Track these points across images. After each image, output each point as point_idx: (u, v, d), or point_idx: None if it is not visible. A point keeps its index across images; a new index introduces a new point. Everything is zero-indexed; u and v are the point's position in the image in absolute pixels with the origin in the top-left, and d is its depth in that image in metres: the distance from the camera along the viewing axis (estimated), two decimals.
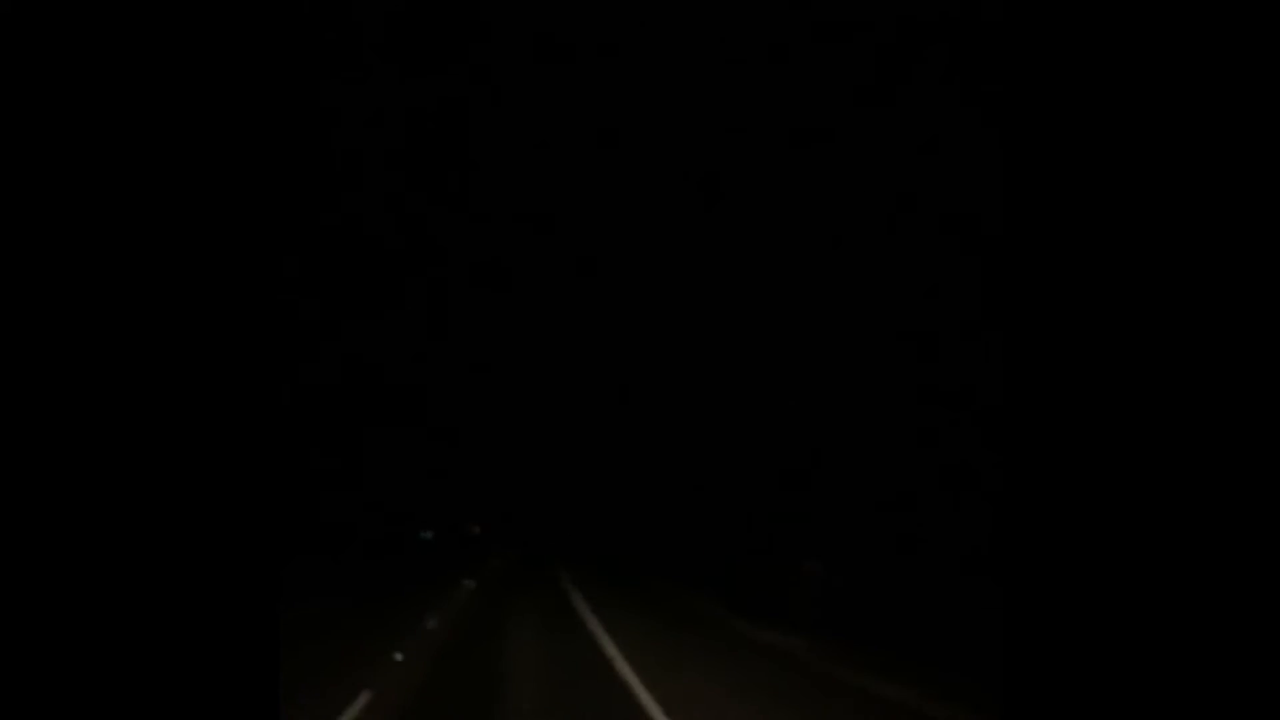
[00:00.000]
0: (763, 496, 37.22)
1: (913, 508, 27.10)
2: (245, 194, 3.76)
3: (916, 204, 27.65)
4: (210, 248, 3.69)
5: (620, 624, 17.36)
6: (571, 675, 11.81)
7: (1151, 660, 3.54)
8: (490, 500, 77.16)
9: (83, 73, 3.61)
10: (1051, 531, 3.76)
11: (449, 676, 11.64)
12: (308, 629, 15.29)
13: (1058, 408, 3.81)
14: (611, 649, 13.75)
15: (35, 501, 3.44)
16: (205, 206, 3.70)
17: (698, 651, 14.21)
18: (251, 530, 3.66)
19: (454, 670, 12.08)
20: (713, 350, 44.60)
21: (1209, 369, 3.61)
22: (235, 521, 3.63)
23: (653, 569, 39.55)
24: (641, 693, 10.56)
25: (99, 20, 3.63)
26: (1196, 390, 3.61)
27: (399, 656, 12.58)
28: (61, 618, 3.43)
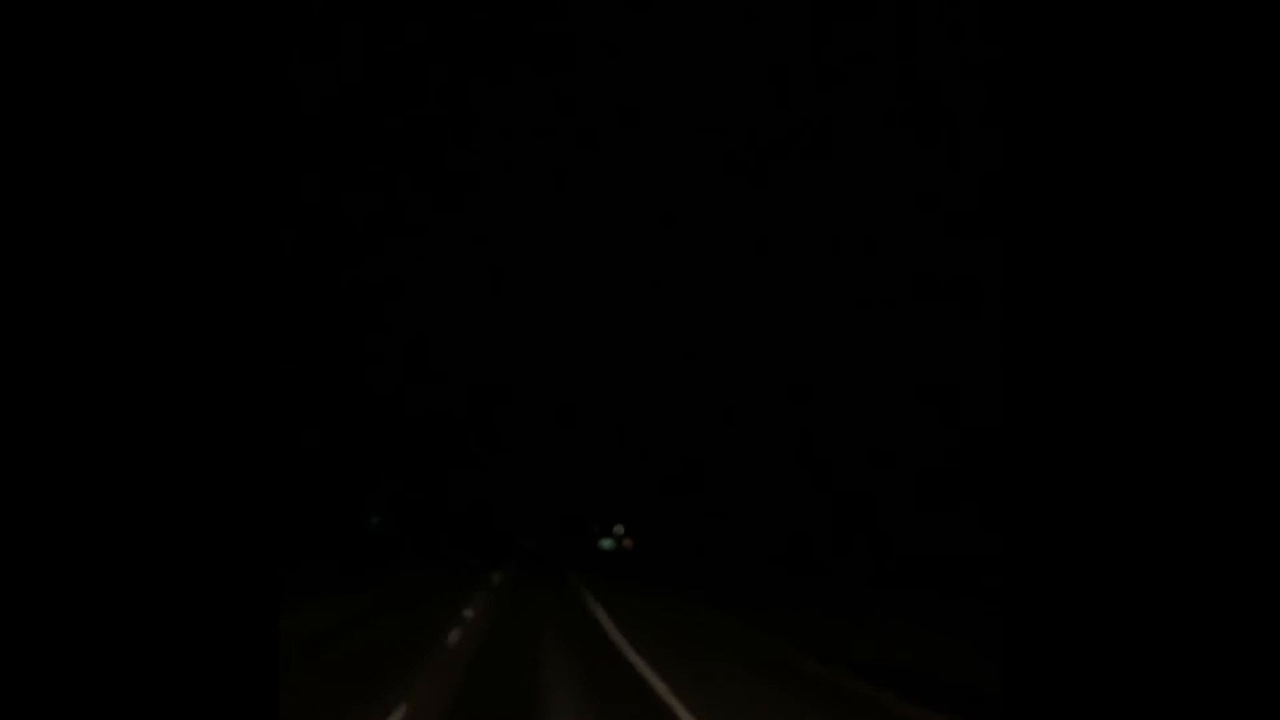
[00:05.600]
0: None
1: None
2: (240, 194, 3.72)
3: (916, 213, 27.47)
4: (210, 250, 3.67)
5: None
6: None
7: (1151, 666, 3.52)
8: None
9: (73, 67, 3.56)
10: (1051, 537, 3.73)
11: None
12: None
13: (1058, 413, 3.75)
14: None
15: (30, 502, 3.43)
16: (202, 207, 3.67)
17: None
18: (249, 531, 3.64)
19: None
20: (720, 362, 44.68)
21: (1210, 379, 3.55)
22: (233, 522, 3.62)
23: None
24: None
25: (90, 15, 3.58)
26: (1197, 399, 3.56)
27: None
28: (54, 618, 3.42)
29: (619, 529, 68.51)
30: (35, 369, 3.47)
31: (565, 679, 12.13)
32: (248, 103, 3.74)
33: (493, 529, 77.42)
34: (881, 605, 24.79)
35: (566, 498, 79.59)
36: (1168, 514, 3.56)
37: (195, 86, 3.67)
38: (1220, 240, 3.58)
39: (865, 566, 35.89)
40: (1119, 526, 3.62)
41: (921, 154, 29.86)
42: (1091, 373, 3.70)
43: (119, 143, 3.60)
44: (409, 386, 57.96)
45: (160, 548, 3.53)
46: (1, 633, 3.38)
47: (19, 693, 3.36)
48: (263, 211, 3.76)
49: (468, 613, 20.86)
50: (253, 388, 3.70)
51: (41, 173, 3.52)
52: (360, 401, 51.34)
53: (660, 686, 11.59)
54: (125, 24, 3.63)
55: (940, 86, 28.11)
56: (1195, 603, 3.50)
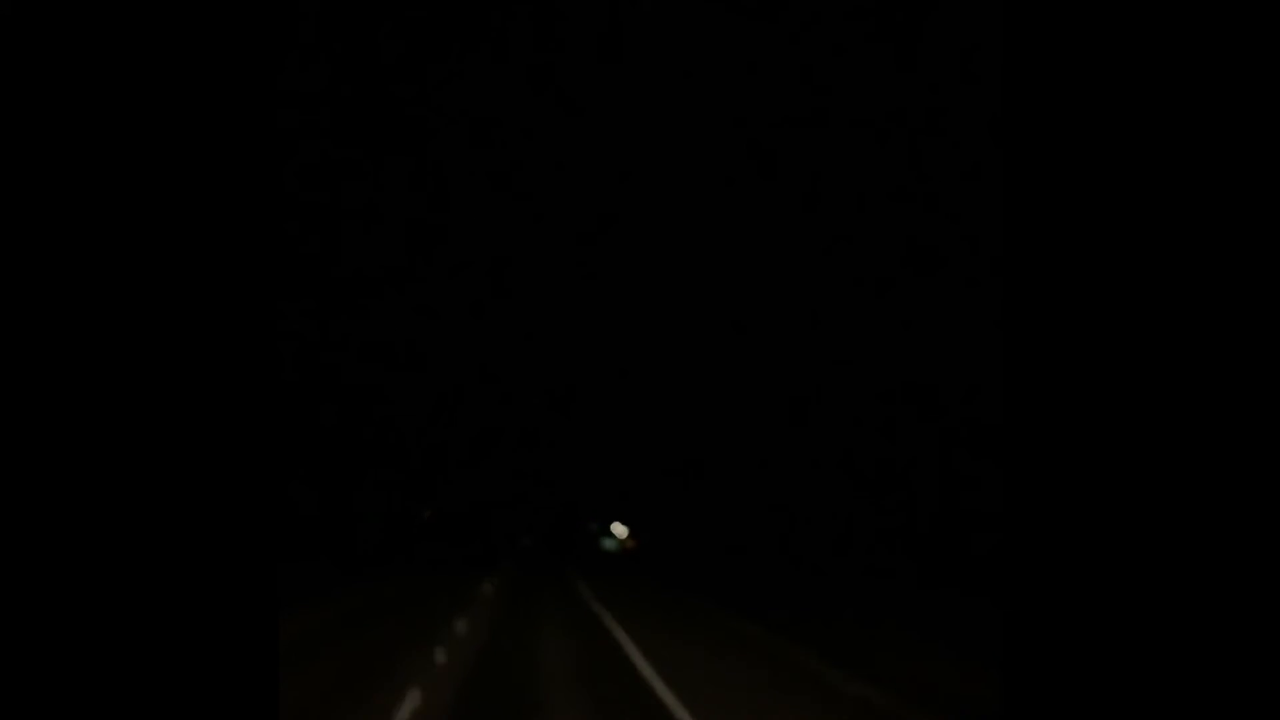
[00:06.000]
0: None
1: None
2: (233, 197, 3.73)
3: (914, 209, 27.48)
4: (208, 249, 3.68)
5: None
6: None
7: (1152, 666, 3.49)
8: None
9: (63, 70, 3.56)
10: (1052, 537, 3.70)
11: None
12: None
13: (1057, 413, 3.73)
14: None
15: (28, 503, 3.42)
16: (200, 206, 3.69)
17: None
18: (249, 531, 3.64)
19: None
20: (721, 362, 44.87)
21: (1211, 378, 3.51)
22: (231, 523, 3.62)
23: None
24: None
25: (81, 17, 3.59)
26: (1197, 399, 3.52)
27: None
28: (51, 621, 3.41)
29: (620, 529, 68.37)
30: (35, 367, 3.46)
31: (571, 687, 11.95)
32: (246, 103, 3.72)
33: (491, 528, 77.53)
34: (886, 607, 24.69)
35: (567, 497, 79.67)
36: (1169, 515, 3.51)
37: (191, 86, 3.66)
38: (1221, 240, 3.54)
39: (868, 566, 35.90)
40: (1120, 527, 3.57)
41: (923, 153, 29.90)
42: (1091, 373, 3.66)
43: (116, 142, 3.59)
44: (404, 383, 57.96)
45: (161, 547, 3.52)
46: (2, 632, 3.37)
47: (19, 692, 3.35)
48: (257, 208, 3.75)
49: (473, 603, 20.83)
50: (251, 387, 3.68)
51: (40, 171, 3.52)
52: (355, 398, 51.36)
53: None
54: (119, 21, 3.61)
55: (941, 86, 28.14)
56: (1196, 605, 3.46)
